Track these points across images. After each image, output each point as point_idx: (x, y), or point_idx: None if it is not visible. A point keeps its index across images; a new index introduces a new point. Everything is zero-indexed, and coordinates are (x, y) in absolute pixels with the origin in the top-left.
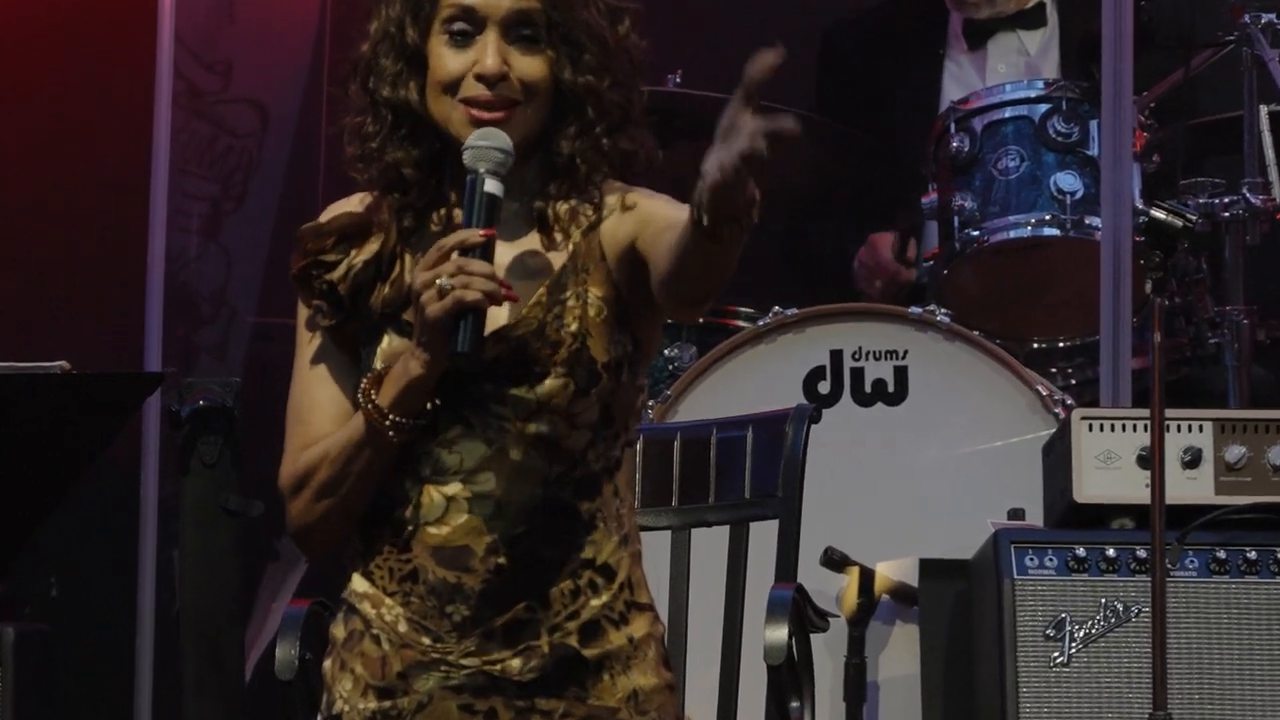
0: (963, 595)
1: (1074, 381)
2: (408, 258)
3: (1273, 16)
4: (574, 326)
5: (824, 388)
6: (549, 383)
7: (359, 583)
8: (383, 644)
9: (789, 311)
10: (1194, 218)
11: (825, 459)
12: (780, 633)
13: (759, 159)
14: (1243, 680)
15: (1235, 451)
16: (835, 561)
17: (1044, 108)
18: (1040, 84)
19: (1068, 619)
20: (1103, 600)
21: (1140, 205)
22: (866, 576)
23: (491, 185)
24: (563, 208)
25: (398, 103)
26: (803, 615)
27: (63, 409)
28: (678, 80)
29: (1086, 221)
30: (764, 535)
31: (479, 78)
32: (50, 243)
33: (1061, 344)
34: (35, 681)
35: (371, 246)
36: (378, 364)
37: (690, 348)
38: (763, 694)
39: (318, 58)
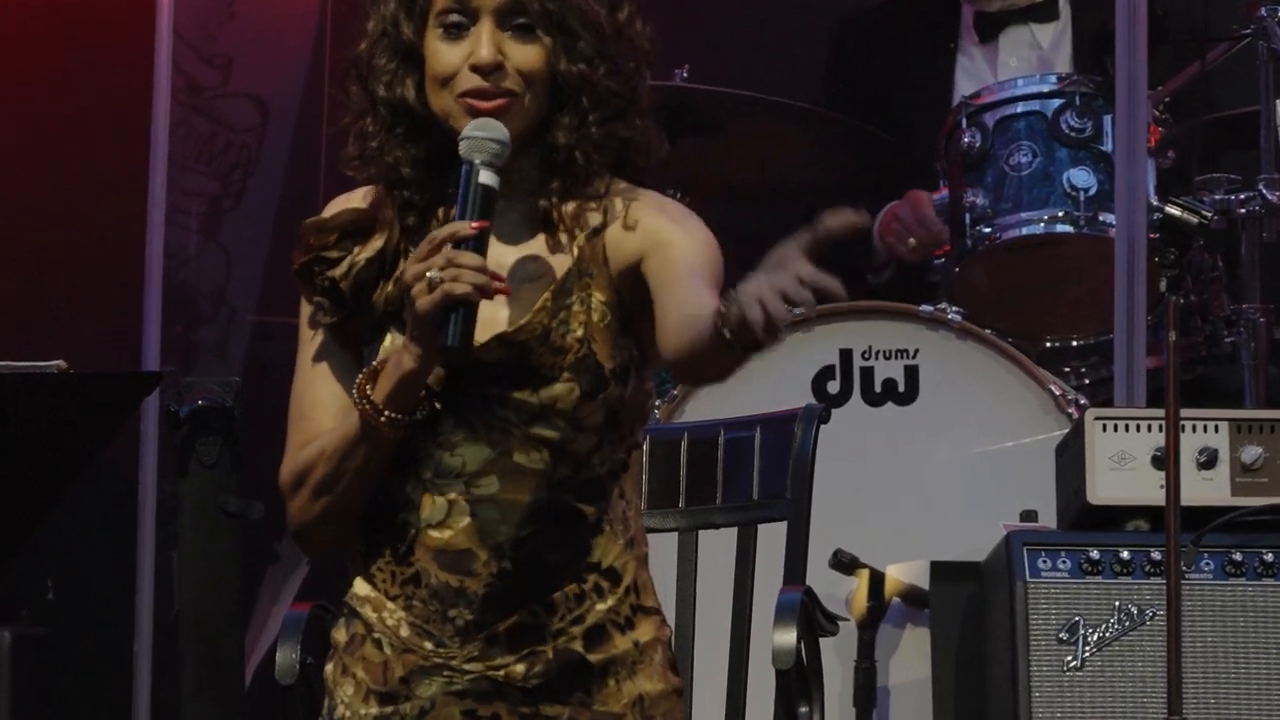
0: (974, 598)
1: (1088, 381)
2: (411, 254)
3: None
4: (579, 332)
5: (833, 387)
6: (555, 387)
7: (360, 586)
8: (385, 648)
9: (797, 310)
10: (1210, 214)
11: (835, 460)
12: (789, 636)
13: (800, 307)
14: (1259, 684)
15: (1252, 452)
16: (845, 564)
17: (1057, 103)
18: (1053, 78)
19: (1081, 622)
20: (1117, 603)
21: (1155, 202)
22: (876, 579)
23: (486, 177)
24: (568, 208)
25: (395, 101)
26: (812, 619)
27: (59, 409)
28: (685, 75)
29: (1100, 218)
30: (772, 537)
31: (474, 68)
32: (47, 240)
33: (1075, 343)
34: (32, 686)
35: (375, 243)
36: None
37: None
38: (771, 699)
39: (319, 52)
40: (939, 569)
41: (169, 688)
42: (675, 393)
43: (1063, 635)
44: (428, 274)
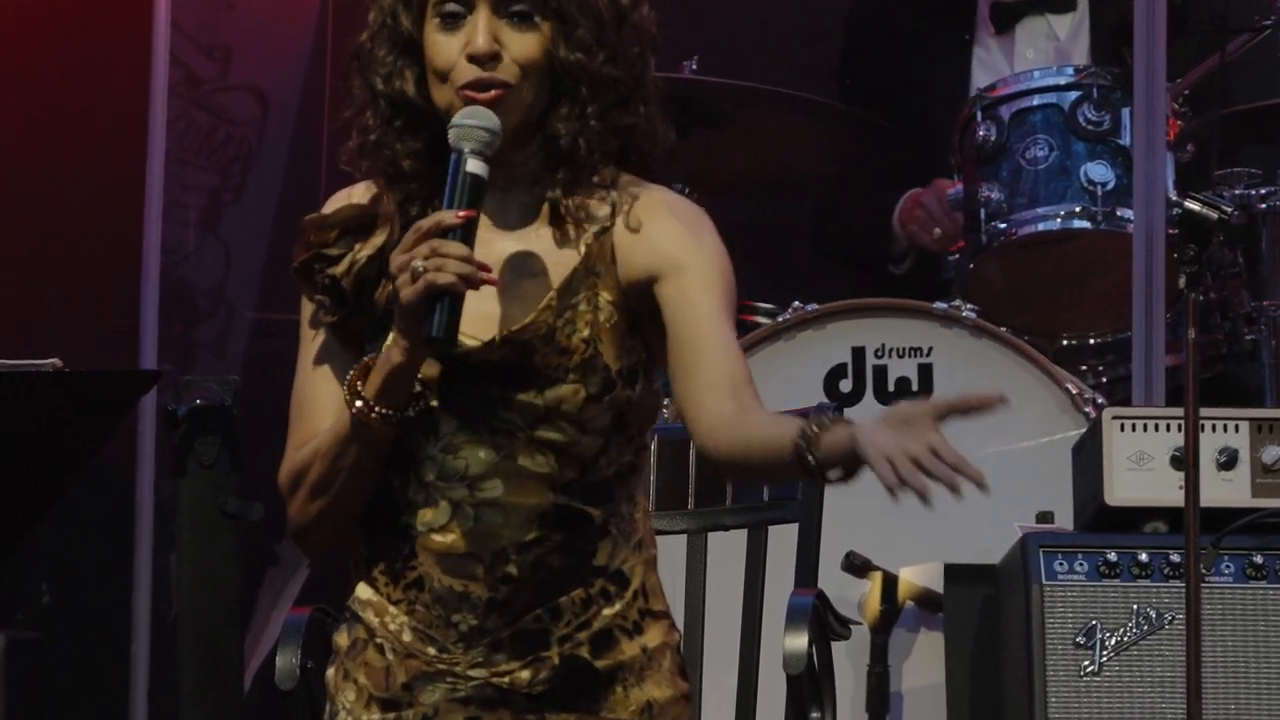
0: (989, 601)
1: (1105, 379)
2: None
3: None
4: (585, 332)
5: (846, 386)
6: (560, 388)
7: (363, 590)
8: (387, 654)
9: (809, 307)
10: (1229, 209)
11: None
12: (800, 640)
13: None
14: None
15: (1273, 452)
16: (857, 566)
17: (1074, 95)
18: (1070, 70)
19: (1098, 626)
20: (1135, 607)
21: (1174, 196)
22: (889, 582)
23: (475, 165)
24: (574, 201)
25: (393, 94)
26: (823, 622)
27: (55, 408)
28: (694, 67)
29: (1118, 213)
30: (783, 539)
31: (470, 58)
32: (42, 236)
33: (1092, 340)
34: (27, 691)
35: (376, 240)
36: None
37: None
38: (781, 704)
39: (319, 43)
40: (953, 571)
41: (167, 692)
42: None
43: (1080, 639)
44: (412, 264)
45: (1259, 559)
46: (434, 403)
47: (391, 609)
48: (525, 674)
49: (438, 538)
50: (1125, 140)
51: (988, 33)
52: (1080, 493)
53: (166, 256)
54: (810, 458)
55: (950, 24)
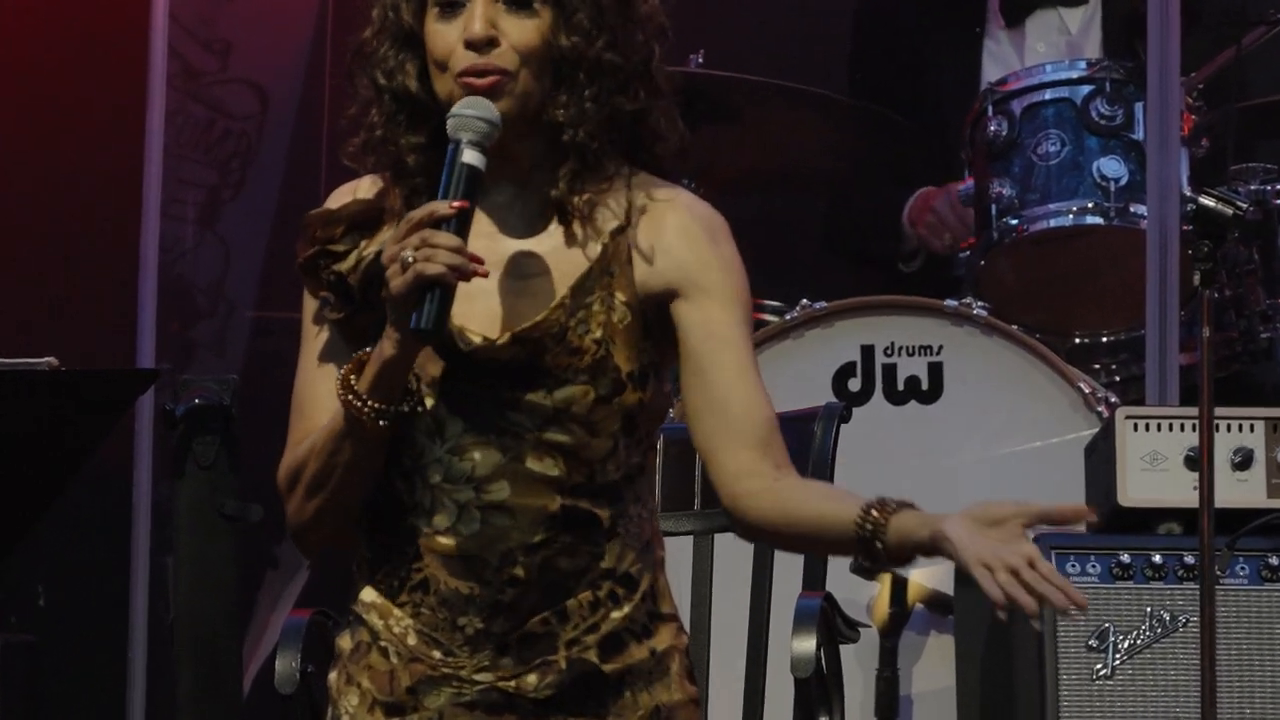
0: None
1: (1118, 378)
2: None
3: None
4: (598, 333)
5: (854, 385)
6: (570, 389)
7: (367, 592)
8: (391, 657)
9: (817, 305)
10: (1245, 205)
11: (855, 460)
12: (808, 643)
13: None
14: None
15: None
16: (866, 568)
17: (1086, 89)
18: (1082, 64)
19: (1111, 629)
20: (1148, 609)
21: (1188, 192)
22: (899, 584)
23: (471, 156)
24: (583, 200)
25: (396, 89)
26: (832, 625)
27: (51, 408)
28: (700, 61)
29: (1131, 209)
30: None
31: (467, 44)
32: (38, 233)
33: (1105, 339)
34: (22, 695)
35: (382, 236)
36: None
37: None
38: (789, 708)
39: (320, 36)
40: (964, 574)
41: (164, 697)
42: None
43: (1092, 642)
44: (402, 254)
45: (1275, 560)
46: (440, 404)
47: (396, 612)
48: (532, 678)
49: (443, 540)
50: (1139, 135)
51: (998, 26)
52: (1093, 493)
53: (164, 254)
54: (879, 544)
55: (960, 17)
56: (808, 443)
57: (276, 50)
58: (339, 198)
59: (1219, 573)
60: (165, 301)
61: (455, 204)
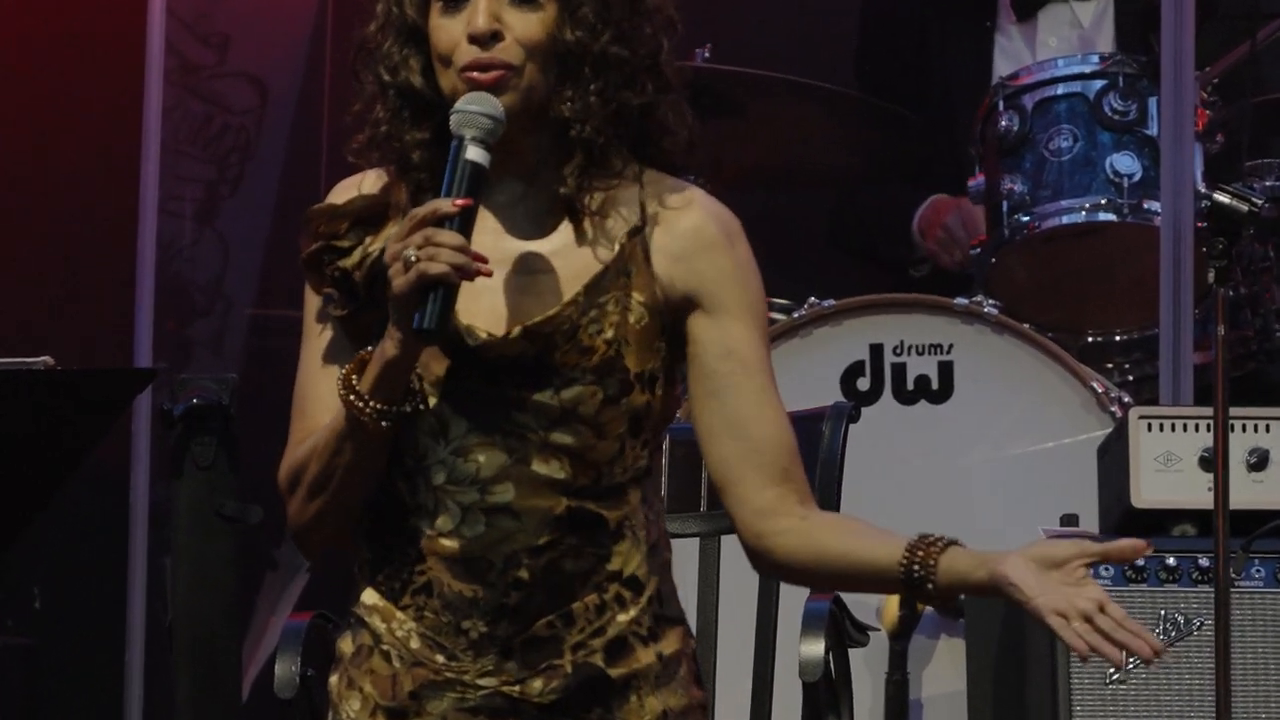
0: (1012, 607)
1: (1131, 378)
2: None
3: None
4: (610, 333)
5: (863, 384)
6: (577, 388)
7: (369, 595)
8: (393, 661)
9: (826, 303)
10: (1260, 201)
11: (864, 460)
12: (816, 647)
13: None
14: None
15: None
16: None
17: (1099, 84)
18: (1095, 58)
19: None
20: (1162, 612)
21: (1202, 188)
22: None
23: (475, 153)
24: (594, 199)
25: (400, 85)
26: (840, 628)
27: (47, 408)
28: (707, 55)
29: (1145, 206)
30: None
31: (471, 39)
32: (34, 230)
33: (1118, 337)
34: (18, 699)
35: (388, 232)
36: None
37: None
38: (797, 713)
39: (320, 29)
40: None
41: (162, 701)
42: None
43: None
44: (404, 253)
45: None
46: (444, 403)
47: (399, 615)
48: (537, 683)
49: (447, 542)
50: (1152, 130)
51: (1009, 20)
52: (1106, 495)
53: (162, 251)
54: (931, 585)
55: (971, 11)
56: (816, 443)
57: (275, 43)
58: (343, 192)
59: (1234, 575)
60: (163, 299)
61: (459, 202)
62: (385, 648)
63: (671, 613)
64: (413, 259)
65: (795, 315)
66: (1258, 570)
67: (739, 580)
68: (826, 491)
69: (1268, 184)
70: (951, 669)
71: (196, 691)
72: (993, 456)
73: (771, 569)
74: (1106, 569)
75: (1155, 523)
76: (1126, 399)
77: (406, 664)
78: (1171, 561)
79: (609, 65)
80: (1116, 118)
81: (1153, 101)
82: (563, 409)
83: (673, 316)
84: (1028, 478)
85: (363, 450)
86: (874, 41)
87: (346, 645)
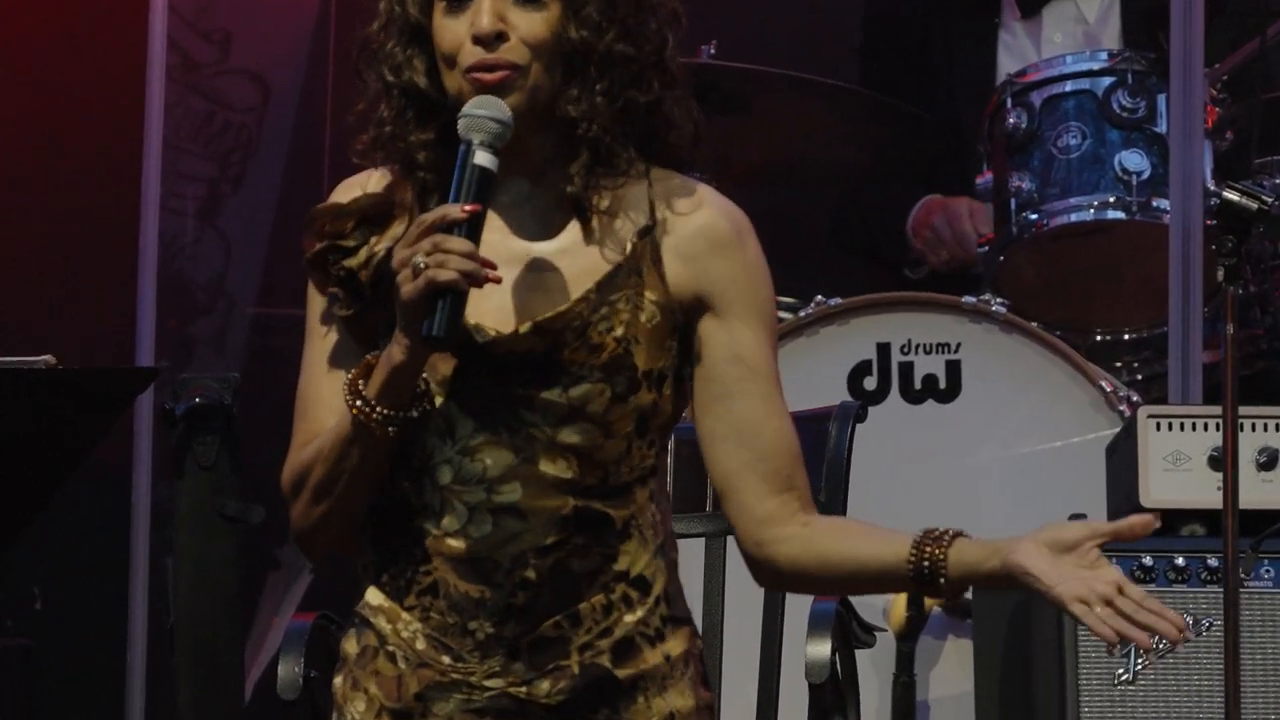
0: (1020, 607)
1: (1140, 377)
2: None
3: None
4: (619, 331)
5: (870, 383)
6: (585, 386)
7: (373, 595)
8: (399, 662)
9: (832, 301)
10: (1270, 199)
11: (871, 460)
12: (823, 648)
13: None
14: None
15: None
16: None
17: (1108, 81)
18: (1104, 55)
19: None
20: None
21: (1212, 186)
22: None
23: (483, 158)
24: (602, 199)
25: (404, 85)
26: (847, 629)
27: (48, 407)
28: (712, 51)
29: (1154, 204)
30: None
31: (475, 39)
32: (35, 228)
33: (1127, 336)
34: (18, 701)
35: (394, 231)
36: None
37: None
38: (804, 714)
39: (322, 26)
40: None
41: (164, 702)
42: None
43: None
44: (413, 260)
45: None
46: (451, 403)
47: (404, 615)
48: (544, 684)
49: (453, 542)
50: (1161, 128)
51: (1014, 16)
52: (1114, 494)
53: (163, 249)
54: (942, 580)
55: (975, 8)
56: (822, 443)
57: (277, 40)
58: (347, 190)
59: (1243, 576)
60: (164, 298)
61: (467, 208)
62: (391, 649)
63: (678, 613)
64: (421, 266)
65: (802, 314)
66: (1267, 570)
67: (745, 581)
68: (833, 492)
69: (1277, 181)
70: (959, 670)
71: (198, 693)
72: (1001, 456)
73: (774, 578)
74: (1115, 568)
75: (1164, 522)
76: (1135, 398)
77: (412, 665)
78: (1180, 561)
79: (615, 63)
80: (1125, 115)
81: (1161, 98)
82: (570, 407)
83: (685, 316)
84: (1036, 477)
85: (369, 454)
86: (878, 38)
87: (351, 646)
